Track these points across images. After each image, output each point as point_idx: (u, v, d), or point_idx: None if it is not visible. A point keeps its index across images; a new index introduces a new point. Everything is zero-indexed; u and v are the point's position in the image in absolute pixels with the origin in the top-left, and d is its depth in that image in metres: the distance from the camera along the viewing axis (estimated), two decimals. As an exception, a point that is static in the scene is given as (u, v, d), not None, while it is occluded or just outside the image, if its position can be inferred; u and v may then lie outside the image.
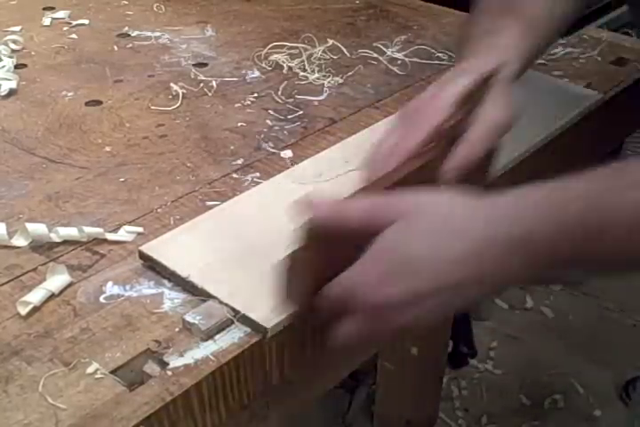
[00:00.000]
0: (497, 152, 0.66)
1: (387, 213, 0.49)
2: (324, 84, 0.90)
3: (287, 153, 0.76)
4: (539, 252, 0.47)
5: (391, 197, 0.51)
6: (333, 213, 0.50)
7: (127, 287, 0.58)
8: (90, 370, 0.51)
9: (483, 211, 0.49)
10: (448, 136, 0.60)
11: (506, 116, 0.60)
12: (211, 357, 0.52)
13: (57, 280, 0.58)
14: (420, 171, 0.58)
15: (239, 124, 0.82)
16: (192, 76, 0.91)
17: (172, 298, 0.57)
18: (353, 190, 0.54)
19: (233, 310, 0.54)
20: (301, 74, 0.92)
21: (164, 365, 0.51)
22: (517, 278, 0.50)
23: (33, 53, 0.97)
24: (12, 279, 0.59)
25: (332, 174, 0.70)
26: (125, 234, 0.64)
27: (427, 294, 0.48)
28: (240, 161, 0.75)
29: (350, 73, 0.92)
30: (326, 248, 0.50)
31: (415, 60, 0.95)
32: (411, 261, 0.48)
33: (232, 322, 0.54)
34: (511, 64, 0.64)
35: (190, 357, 0.52)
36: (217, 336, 0.53)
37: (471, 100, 0.60)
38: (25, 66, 0.94)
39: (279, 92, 0.88)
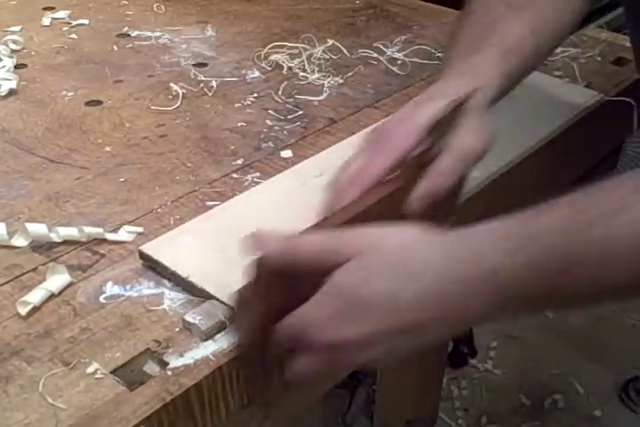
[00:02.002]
0: (466, 181, 0.61)
1: (340, 251, 0.47)
2: (324, 84, 0.90)
3: (287, 153, 0.76)
4: (504, 290, 0.45)
5: (346, 233, 0.48)
6: (285, 249, 0.47)
7: (127, 287, 0.58)
8: (90, 370, 0.51)
9: (442, 250, 0.46)
10: (417, 163, 0.56)
11: (478, 145, 0.56)
12: (211, 357, 0.52)
13: (57, 280, 0.58)
14: (386, 200, 0.54)
15: (239, 124, 0.82)
16: (192, 76, 0.91)
17: (171, 298, 0.57)
18: (311, 223, 0.52)
19: (233, 309, 0.54)
20: (301, 74, 0.92)
21: (164, 365, 0.51)
22: (482, 318, 0.47)
23: (33, 53, 0.97)
24: (12, 279, 0.59)
25: (331, 174, 0.70)
26: (125, 234, 0.64)
27: (379, 336, 0.46)
28: (240, 161, 0.75)
29: (350, 73, 0.92)
30: (279, 284, 0.48)
31: (415, 60, 0.95)
32: (363, 303, 0.45)
33: (232, 322, 0.54)
34: (487, 89, 0.60)
35: (190, 357, 0.52)
36: (217, 336, 0.53)
37: (443, 126, 0.56)
38: (25, 66, 0.94)
39: (279, 92, 0.88)
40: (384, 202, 0.54)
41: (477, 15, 0.68)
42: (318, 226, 0.52)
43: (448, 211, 0.61)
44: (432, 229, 0.48)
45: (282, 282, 0.48)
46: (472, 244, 0.46)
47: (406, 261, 0.46)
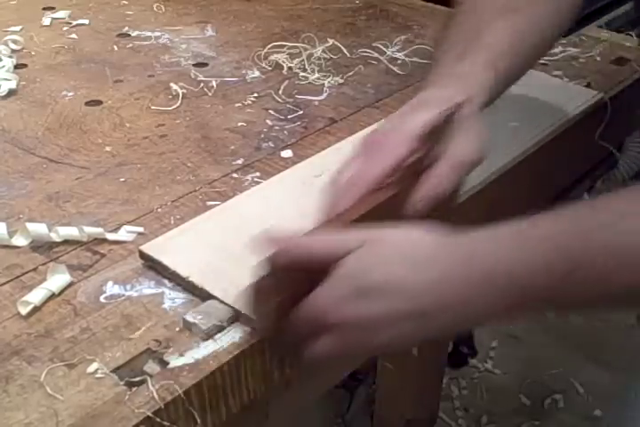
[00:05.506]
0: (461, 186, 0.63)
1: (349, 244, 0.49)
2: (324, 83, 0.90)
3: (287, 153, 0.76)
4: (513, 292, 0.46)
5: (354, 229, 0.51)
6: (296, 245, 0.50)
7: (127, 287, 0.58)
8: (90, 369, 0.51)
9: (444, 247, 0.49)
10: (412, 171, 0.57)
11: (473, 153, 0.57)
12: (211, 356, 0.52)
13: (57, 280, 0.58)
14: (383, 205, 0.56)
15: (239, 124, 0.82)
16: (192, 76, 0.91)
17: (172, 298, 0.57)
18: (313, 226, 0.54)
19: (233, 309, 0.54)
20: (301, 74, 0.92)
21: (164, 364, 0.51)
22: (486, 317, 0.49)
23: (33, 53, 0.97)
24: (13, 279, 0.59)
25: (331, 175, 0.70)
26: (126, 234, 0.64)
27: (388, 318, 0.48)
28: (240, 161, 0.75)
29: (350, 73, 0.92)
30: (291, 278, 0.50)
31: (415, 59, 0.96)
32: (372, 286, 0.48)
33: (232, 322, 0.54)
34: (477, 97, 0.60)
35: (191, 356, 0.52)
36: (217, 336, 0.53)
37: (436, 134, 0.57)
38: (25, 66, 0.94)
39: (279, 92, 0.88)
40: (381, 207, 0.56)
41: (467, 15, 0.67)
42: (319, 229, 0.54)
43: (443, 214, 0.62)
44: (435, 229, 0.50)
45: (294, 275, 0.50)
46: (467, 247, 0.48)
47: (414, 252, 0.49)
